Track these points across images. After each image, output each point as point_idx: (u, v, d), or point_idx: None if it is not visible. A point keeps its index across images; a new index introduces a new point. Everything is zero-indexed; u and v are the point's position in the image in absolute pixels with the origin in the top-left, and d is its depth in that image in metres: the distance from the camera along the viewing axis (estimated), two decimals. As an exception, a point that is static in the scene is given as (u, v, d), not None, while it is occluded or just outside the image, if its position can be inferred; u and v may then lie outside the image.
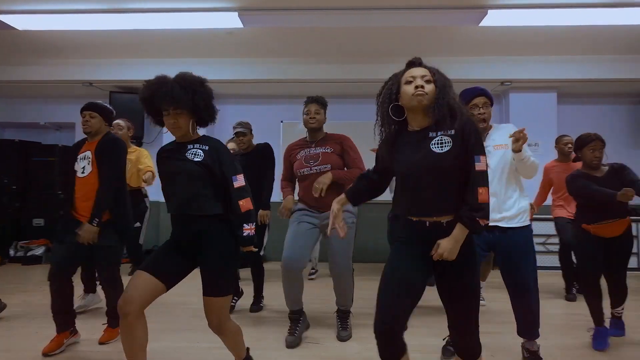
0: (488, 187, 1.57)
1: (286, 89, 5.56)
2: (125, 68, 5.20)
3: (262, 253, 3.38)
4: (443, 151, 1.57)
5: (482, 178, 1.57)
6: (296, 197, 2.87)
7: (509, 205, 2.29)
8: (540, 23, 3.90)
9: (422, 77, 1.62)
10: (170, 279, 1.88)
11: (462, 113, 1.61)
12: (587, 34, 4.22)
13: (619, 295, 2.75)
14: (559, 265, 3.96)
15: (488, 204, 1.56)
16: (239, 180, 1.92)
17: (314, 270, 4.65)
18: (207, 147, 1.95)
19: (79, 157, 2.58)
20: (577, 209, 2.80)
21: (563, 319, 3.32)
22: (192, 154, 1.91)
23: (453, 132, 1.58)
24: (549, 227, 4.61)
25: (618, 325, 2.80)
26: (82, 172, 2.53)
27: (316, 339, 2.74)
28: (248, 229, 1.89)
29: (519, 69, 4.92)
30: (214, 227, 1.90)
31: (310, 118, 2.77)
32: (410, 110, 1.65)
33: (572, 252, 3.57)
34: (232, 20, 3.87)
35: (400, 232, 1.71)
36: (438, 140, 1.59)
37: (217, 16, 3.83)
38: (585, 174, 2.70)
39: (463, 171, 1.57)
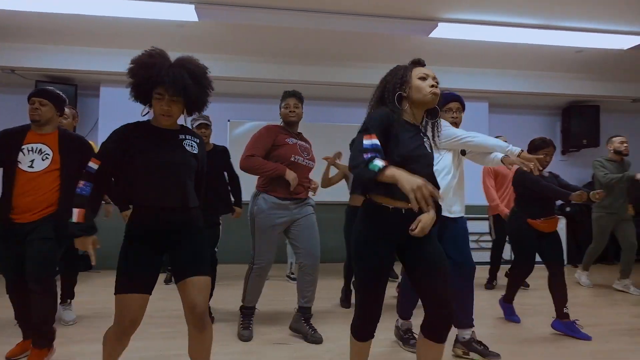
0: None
1: (235, 87, 5.42)
2: (54, 55, 4.72)
3: (216, 249, 3.29)
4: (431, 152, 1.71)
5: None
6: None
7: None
8: (482, 38, 4.23)
9: (434, 78, 1.70)
10: (152, 285, 1.72)
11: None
12: (519, 51, 4.66)
13: (562, 289, 2.89)
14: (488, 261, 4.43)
15: None
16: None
17: (293, 275, 4.59)
18: (198, 141, 1.87)
19: (24, 147, 2.29)
20: (518, 205, 3.08)
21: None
22: (189, 145, 1.81)
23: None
24: (483, 226, 5.02)
25: (568, 325, 2.88)
26: (31, 167, 2.25)
27: (285, 340, 2.71)
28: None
29: (457, 78, 5.28)
30: (196, 217, 1.82)
31: (290, 112, 2.76)
32: (417, 105, 1.70)
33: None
34: (187, 13, 3.71)
35: (368, 220, 1.69)
36: (426, 140, 1.72)
37: (170, 7, 3.64)
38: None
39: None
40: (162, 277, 4.26)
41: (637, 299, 3.95)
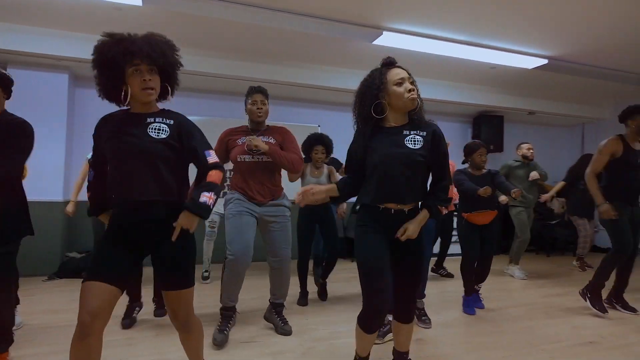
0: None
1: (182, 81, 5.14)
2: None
3: None
4: (415, 148, 1.80)
5: (451, 178, 1.89)
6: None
7: None
8: (417, 49, 4.58)
9: (409, 79, 1.81)
10: (124, 281, 1.61)
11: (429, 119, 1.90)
12: (443, 63, 5.11)
13: (483, 274, 3.50)
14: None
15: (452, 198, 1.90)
16: (213, 156, 1.72)
17: (207, 273, 4.41)
18: (171, 122, 1.69)
19: None
20: (459, 202, 3.48)
21: (439, 296, 3.99)
22: (154, 129, 1.63)
23: (425, 133, 1.83)
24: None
25: (478, 299, 3.55)
26: None
27: (251, 337, 2.70)
28: (207, 197, 1.62)
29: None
30: (172, 214, 1.63)
31: (257, 109, 2.70)
32: (395, 110, 1.83)
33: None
34: (132, -5, 3.46)
35: (363, 219, 1.86)
36: (411, 138, 1.81)
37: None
38: (468, 173, 3.41)
39: (427, 168, 1.84)
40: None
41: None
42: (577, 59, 4.93)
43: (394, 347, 1.97)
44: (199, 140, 1.70)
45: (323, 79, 5.38)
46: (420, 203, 1.86)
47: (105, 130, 1.67)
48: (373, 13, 3.88)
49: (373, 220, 1.82)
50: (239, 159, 2.65)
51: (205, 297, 3.54)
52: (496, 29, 4.19)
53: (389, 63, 1.87)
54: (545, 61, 4.90)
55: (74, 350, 1.47)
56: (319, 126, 6.24)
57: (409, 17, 3.96)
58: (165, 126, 1.66)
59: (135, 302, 2.94)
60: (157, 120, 1.66)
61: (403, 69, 1.85)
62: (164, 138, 1.63)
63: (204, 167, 1.69)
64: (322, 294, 3.69)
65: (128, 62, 1.57)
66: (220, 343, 2.53)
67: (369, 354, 1.94)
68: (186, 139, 1.68)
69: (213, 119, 5.41)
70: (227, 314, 2.67)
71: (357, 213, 1.91)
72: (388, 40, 4.33)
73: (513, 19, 3.96)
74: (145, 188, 1.60)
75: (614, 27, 4.05)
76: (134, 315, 2.92)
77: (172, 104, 1.76)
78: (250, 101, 2.74)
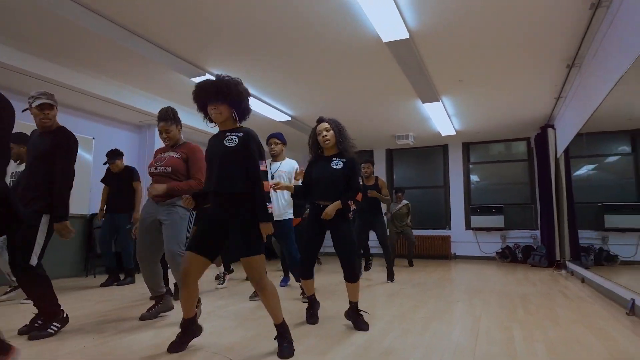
0: (361, 192, 3.30)
1: None
2: None
3: None
4: (337, 168, 3.07)
5: (359, 188, 3.29)
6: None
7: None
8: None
9: (326, 129, 3.14)
10: (212, 254, 2.26)
11: (351, 150, 3.27)
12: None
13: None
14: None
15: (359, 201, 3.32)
16: (263, 165, 2.34)
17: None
18: (241, 134, 2.31)
19: None
20: None
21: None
22: (227, 140, 2.29)
23: (345, 160, 3.16)
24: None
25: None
26: None
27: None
28: (270, 207, 2.26)
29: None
30: (244, 204, 2.24)
31: (163, 138, 3.17)
32: (324, 147, 3.14)
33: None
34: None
35: (310, 212, 3.11)
36: (336, 163, 3.09)
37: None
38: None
39: (345, 182, 3.19)
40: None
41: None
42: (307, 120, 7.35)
43: (348, 299, 3.02)
44: (254, 151, 2.32)
45: (124, 96, 5.59)
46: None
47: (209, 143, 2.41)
48: (204, 56, 4.74)
49: (314, 212, 3.02)
50: (148, 170, 3.16)
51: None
52: (266, 89, 5.92)
53: (320, 120, 3.15)
54: (288, 118, 7.05)
55: (181, 293, 2.27)
56: (93, 138, 6.11)
57: (229, 68, 5.08)
58: (236, 137, 2.31)
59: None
60: (231, 134, 2.32)
61: (326, 121, 3.17)
62: (233, 146, 2.30)
63: (255, 174, 2.30)
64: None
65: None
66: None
67: (313, 293, 3.07)
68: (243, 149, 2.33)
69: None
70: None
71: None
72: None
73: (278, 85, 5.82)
74: (219, 183, 2.27)
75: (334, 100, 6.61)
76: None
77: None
78: (159, 127, 3.20)
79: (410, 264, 7.51)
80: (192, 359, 2.17)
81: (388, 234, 5.86)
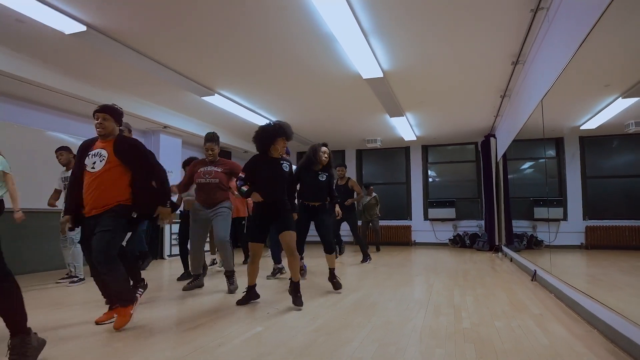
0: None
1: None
2: None
3: None
4: (323, 180, 4.40)
5: (336, 194, 4.56)
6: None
7: None
8: (235, 112, 6.73)
9: (327, 153, 4.34)
10: (264, 240, 3.45)
11: (332, 169, 4.54)
12: (225, 115, 7.44)
13: None
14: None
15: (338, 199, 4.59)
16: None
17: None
18: (289, 163, 3.56)
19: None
20: None
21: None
22: (283, 166, 3.52)
23: (327, 174, 4.44)
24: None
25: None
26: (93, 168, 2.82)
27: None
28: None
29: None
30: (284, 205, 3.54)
31: (208, 153, 4.28)
32: (320, 163, 4.35)
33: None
34: None
35: (302, 209, 4.37)
36: (321, 176, 4.39)
37: None
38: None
39: (328, 188, 4.48)
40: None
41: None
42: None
43: (328, 266, 4.27)
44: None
45: (135, 107, 6.54)
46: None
47: (258, 164, 3.46)
48: (212, 78, 5.77)
49: (305, 210, 4.28)
50: (197, 181, 4.22)
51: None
52: (255, 100, 7.04)
53: (325, 145, 4.36)
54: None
55: (250, 268, 3.44)
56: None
57: (233, 88, 6.15)
58: (287, 164, 3.56)
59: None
60: (283, 162, 3.55)
61: (327, 147, 4.39)
62: (286, 170, 3.54)
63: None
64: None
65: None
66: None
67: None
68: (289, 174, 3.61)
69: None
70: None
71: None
72: (216, 100, 6.31)
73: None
74: (273, 194, 3.47)
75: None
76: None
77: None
78: (205, 147, 4.31)
79: (378, 249, 8.89)
80: (247, 308, 3.35)
81: (360, 224, 7.23)
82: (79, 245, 4.63)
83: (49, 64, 5.01)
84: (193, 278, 4.37)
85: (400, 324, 2.84)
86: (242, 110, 7.03)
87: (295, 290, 3.47)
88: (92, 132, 3.05)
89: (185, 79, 5.56)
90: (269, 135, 3.47)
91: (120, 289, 2.80)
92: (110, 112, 2.93)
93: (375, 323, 2.87)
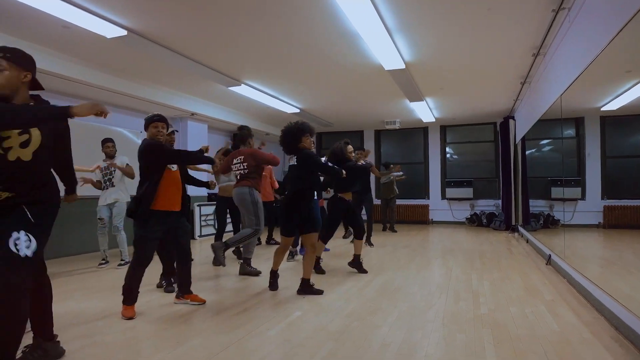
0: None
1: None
2: None
3: None
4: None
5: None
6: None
7: None
8: (262, 101, 6.98)
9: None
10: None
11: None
12: (248, 102, 7.70)
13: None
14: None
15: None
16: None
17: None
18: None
19: None
20: None
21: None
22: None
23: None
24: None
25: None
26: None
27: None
28: None
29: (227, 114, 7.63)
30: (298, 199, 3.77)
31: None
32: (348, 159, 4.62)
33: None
34: None
35: (340, 202, 4.66)
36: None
37: None
38: None
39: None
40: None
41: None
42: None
43: (354, 253, 4.65)
44: None
45: (165, 97, 6.85)
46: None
47: None
48: (238, 70, 6.00)
49: (341, 203, 4.57)
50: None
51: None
52: (279, 87, 7.26)
53: (349, 143, 4.61)
54: (297, 110, 8.40)
55: (276, 257, 3.75)
56: (140, 132, 7.34)
57: (258, 79, 6.39)
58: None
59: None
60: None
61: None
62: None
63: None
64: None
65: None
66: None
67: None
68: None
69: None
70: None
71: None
72: (242, 90, 6.56)
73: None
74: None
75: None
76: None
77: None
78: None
79: (394, 231, 9.10)
80: (282, 292, 3.72)
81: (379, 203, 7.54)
82: (123, 232, 5.08)
83: (91, 63, 5.32)
84: (245, 262, 4.67)
85: (424, 310, 3.17)
86: (266, 98, 7.27)
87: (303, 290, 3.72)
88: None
89: (213, 72, 5.80)
90: (294, 135, 3.67)
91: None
92: (167, 122, 3.27)
93: (402, 308, 3.21)
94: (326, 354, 2.35)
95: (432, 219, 10.87)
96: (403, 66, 5.44)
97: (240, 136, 4.65)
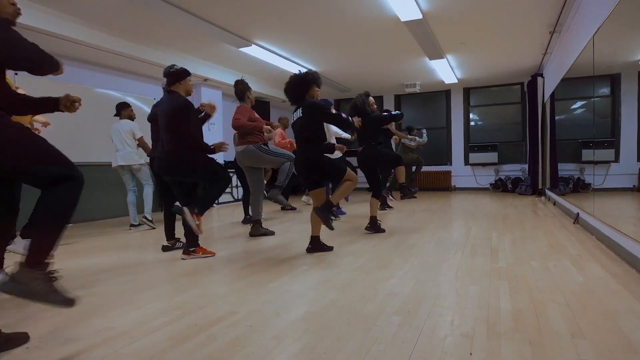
0: None
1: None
2: None
3: None
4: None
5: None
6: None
7: None
8: (263, 58, 6.76)
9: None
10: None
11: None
12: (261, 64, 7.48)
13: None
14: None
15: None
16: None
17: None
18: None
19: None
20: None
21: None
22: None
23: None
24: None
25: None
26: None
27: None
28: None
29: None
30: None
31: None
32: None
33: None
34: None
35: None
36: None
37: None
38: None
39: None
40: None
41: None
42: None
43: (370, 215, 4.48)
44: None
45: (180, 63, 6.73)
46: None
47: None
48: (249, 29, 5.78)
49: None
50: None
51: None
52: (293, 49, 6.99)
53: (369, 94, 4.37)
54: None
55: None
56: (154, 99, 7.26)
57: (269, 39, 6.15)
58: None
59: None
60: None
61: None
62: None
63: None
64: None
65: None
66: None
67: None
68: None
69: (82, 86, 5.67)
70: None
71: None
72: (252, 50, 6.34)
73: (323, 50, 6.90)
74: None
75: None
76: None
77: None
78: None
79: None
80: (285, 251, 3.61)
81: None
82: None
83: (94, 23, 5.20)
84: (255, 224, 4.54)
85: (437, 264, 2.99)
86: (279, 60, 7.04)
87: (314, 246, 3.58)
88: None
89: (222, 31, 5.60)
90: (305, 84, 3.43)
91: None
92: None
93: (413, 263, 3.04)
94: (327, 302, 2.22)
95: (454, 186, 10.54)
96: (420, 16, 5.09)
97: (238, 92, 4.46)
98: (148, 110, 5.33)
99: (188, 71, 3.36)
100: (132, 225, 5.27)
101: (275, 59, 6.97)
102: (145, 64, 6.37)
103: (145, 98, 7.01)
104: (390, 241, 3.92)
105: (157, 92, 7.44)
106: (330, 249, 3.55)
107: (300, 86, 3.45)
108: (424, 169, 10.43)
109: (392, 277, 2.68)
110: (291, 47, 6.57)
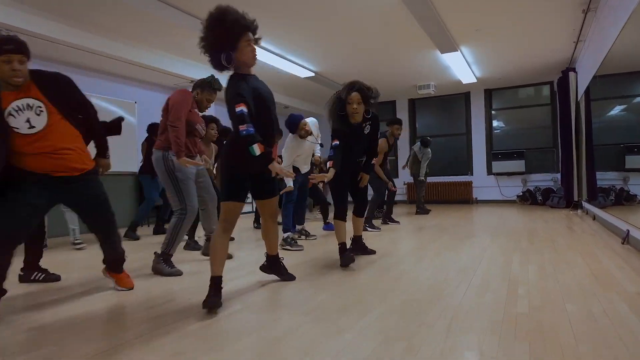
0: None
1: None
2: None
3: None
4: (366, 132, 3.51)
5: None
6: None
7: None
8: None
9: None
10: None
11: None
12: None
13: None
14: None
15: None
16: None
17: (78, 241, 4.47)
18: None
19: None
20: None
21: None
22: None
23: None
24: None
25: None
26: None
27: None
28: None
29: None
30: None
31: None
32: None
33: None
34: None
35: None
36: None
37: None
38: None
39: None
40: None
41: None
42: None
43: (353, 235, 3.52)
44: None
45: (162, 62, 6.07)
46: None
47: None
48: None
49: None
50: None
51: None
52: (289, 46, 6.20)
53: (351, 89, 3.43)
54: (312, 74, 7.34)
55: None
56: (135, 102, 6.62)
57: (262, 34, 5.39)
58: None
59: None
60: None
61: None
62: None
63: None
64: None
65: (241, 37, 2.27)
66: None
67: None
68: None
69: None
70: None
71: None
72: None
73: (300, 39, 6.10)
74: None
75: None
76: None
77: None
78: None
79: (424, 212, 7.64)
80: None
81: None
82: None
83: (54, 15, 4.58)
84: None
85: (424, 306, 2.07)
86: (274, 59, 6.30)
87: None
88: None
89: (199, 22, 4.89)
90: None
91: None
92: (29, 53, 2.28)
93: (392, 303, 2.12)
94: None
95: (476, 198, 9.45)
96: (422, -8, 4.24)
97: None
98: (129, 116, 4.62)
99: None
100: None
101: (270, 58, 6.26)
102: (130, 66, 5.74)
103: (125, 100, 6.40)
104: (374, 268, 3.00)
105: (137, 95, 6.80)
106: (293, 278, 2.67)
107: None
108: (442, 179, 9.44)
109: (349, 329, 1.78)
110: (286, 44, 5.81)
